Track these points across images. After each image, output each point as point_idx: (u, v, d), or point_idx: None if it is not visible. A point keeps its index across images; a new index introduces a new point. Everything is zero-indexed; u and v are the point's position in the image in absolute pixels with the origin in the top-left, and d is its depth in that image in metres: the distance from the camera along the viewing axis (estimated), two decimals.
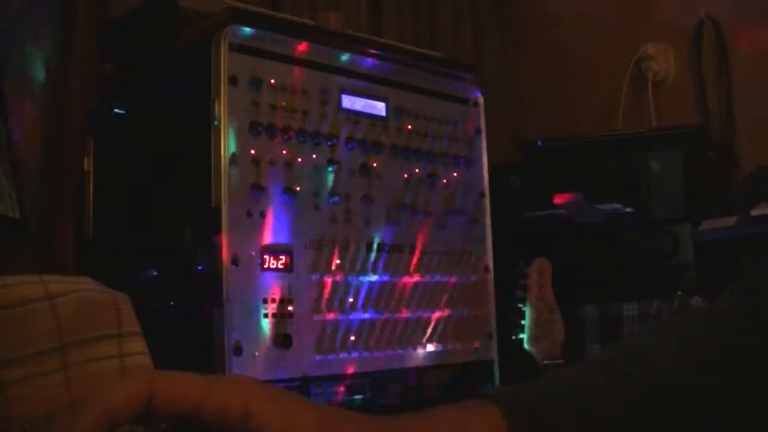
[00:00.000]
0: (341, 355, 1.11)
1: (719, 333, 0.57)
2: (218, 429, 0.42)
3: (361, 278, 1.15)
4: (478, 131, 1.36)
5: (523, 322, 1.33)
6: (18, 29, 1.27)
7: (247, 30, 1.07)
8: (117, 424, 0.40)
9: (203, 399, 0.42)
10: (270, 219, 1.06)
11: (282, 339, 1.04)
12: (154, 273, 1.15)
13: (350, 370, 1.12)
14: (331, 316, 1.11)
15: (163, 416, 0.42)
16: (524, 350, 1.33)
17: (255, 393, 0.43)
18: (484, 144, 1.36)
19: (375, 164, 1.19)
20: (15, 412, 0.68)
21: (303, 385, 1.06)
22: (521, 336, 1.33)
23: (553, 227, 1.64)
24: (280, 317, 1.05)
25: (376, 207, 1.18)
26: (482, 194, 1.34)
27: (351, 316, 1.13)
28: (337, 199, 1.14)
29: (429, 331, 1.22)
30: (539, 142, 1.78)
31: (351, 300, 1.13)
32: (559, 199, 1.57)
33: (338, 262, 1.13)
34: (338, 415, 0.46)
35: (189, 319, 1.07)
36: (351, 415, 0.46)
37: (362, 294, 1.15)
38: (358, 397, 1.12)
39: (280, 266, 1.06)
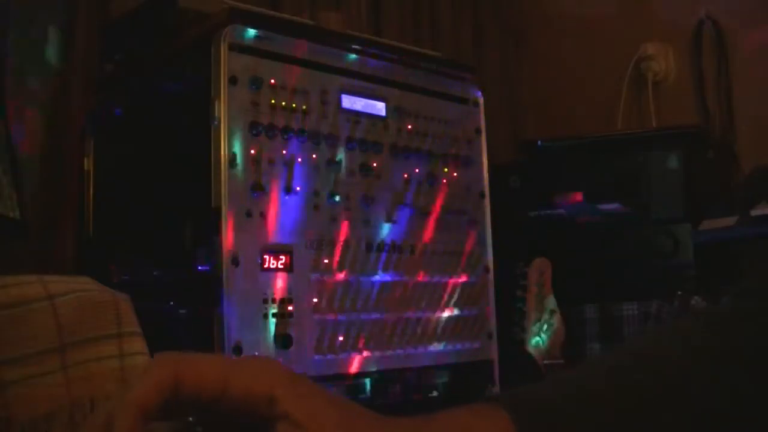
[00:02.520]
0: (341, 355, 1.11)
1: (720, 334, 0.57)
2: (241, 413, 0.42)
3: (361, 278, 1.15)
4: (478, 131, 1.35)
5: (523, 322, 1.33)
6: (18, 29, 1.27)
7: (247, 30, 1.07)
8: (150, 416, 0.40)
9: (229, 381, 0.41)
10: (270, 219, 1.06)
11: (282, 339, 1.04)
12: (154, 273, 1.15)
13: (350, 370, 1.12)
14: (331, 316, 1.11)
15: (189, 401, 0.41)
16: (524, 350, 1.33)
17: (281, 378, 0.43)
18: (484, 144, 1.36)
19: (375, 164, 1.19)
20: (15, 412, 0.68)
21: None
22: (521, 336, 1.33)
23: (553, 227, 1.64)
24: (280, 317, 1.05)
25: (376, 207, 1.18)
26: (482, 194, 1.34)
27: (351, 316, 1.13)
28: (337, 199, 1.14)
29: (429, 331, 1.22)
30: (539, 142, 1.78)
31: (351, 300, 1.13)
32: (560, 200, 1.57)
33: (338, 262, 1.13)
34: (359, 413, 0.46)
35: (189, 319, 1.07)
36: (370, 414, 0.46)
37: (362, 294, 1.15)
38: (358, 397, 1.12)
39: (280, 266, 1.06)
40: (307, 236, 1.10)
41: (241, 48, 1.06)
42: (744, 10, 1.89)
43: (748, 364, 0.55)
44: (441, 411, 0.49)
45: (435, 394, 1.22)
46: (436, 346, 1.23)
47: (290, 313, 1.06)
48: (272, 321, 1.04)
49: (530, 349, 1.32)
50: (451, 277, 1.27)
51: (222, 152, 1.03)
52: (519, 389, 0.52)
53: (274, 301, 1.05)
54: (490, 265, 1.34)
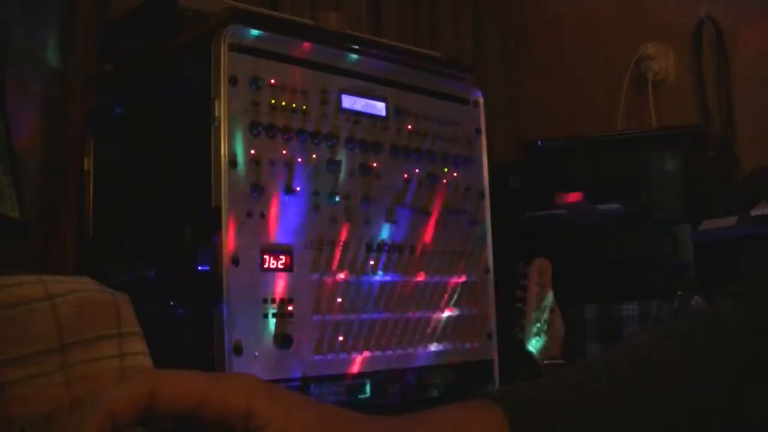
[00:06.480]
0: (341, 355, 1.11)
1: (720, 334, 0.57)
2: (220, 427, 0.42)
3: (361, 278, 1.15)
4: (478, 131, 1.35)
5: (523, 322, 1.33)
6: (18, 29, 1.27)
7: (247, 30, 1.07)
8: (121, 427, 0.40)
9: (204, 397, 0.42)
10: (270, 219, 1.06)
11: (282, 339, 1.04)
12: (154, 273, 1.15)
13: (350, 370, 1.12)
14: (331, 316, 1.11)
15: (165, 415, 0.41)
16: (524, 350, 1.33)
17: (257, 391, 0.43)
18: (484, 144, 1.36)
19: (375, 164, 1.19)
20: (15, 412, 0.68)
21: (303, 385, 1.06)
22: (521, 336, 1.33)
23: (553, 227, 1.64)
24: (280, 317, 1.05)
25: (376, 207, 1.18)
26: (482, 194, 1.34)
27: (351, 316, 1.13)
28: (337, 199, 1.14)
29: (429, 331, 1.22)
30: (539, 142, 1.78)
31: (351, 300, 1.13)
32: (560, 200, 1.57)
33: (338, 262, 1.13)
34: (339, 415, 0.46)
35: (189, 319, 1.07)
36: (352, 415, 0.46)
37: (362, 294, 1.15)
38: (358, 397, 1.12)
39: (280, 266, 1.06)
40: (307, 236, 1.10)
41: (241, 48, 1.06)
42: (744, 10, 1.89)
43: (748, 364, 0.55)
44: (434, 408, 0.49)
45: (435, 394, 1.22)
46: (436, 346, 1.23)
47: (290, 313, 1.06)
48: (272, 321, 1.04)
49: (530, 349, 1.32)
50: (451, 277, 1.27)
51: (222, 152, 1.03)
52: (515, 386, 0.52)
53: (274, 301, 1.05)
54: (490, 265, 1.34)
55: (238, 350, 1.00)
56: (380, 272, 1.17)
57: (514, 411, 0.49)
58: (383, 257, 1.18)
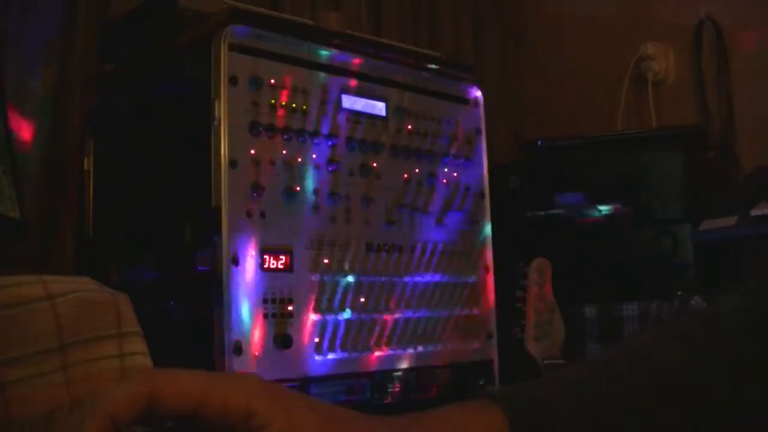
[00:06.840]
0: (341, 355, 1.11)
1: (720, 334, 0.57)
2: (220, 427, 0.42)
3: (361, 278, 1.15)
4: (478, 131, 1.35)
5: (523, 322, 1.33)
6: (18, 29, 1.27)
7: (247, 30, 1.07)
8: (121, 427, 0.40)
9: (205, 396, 0.41)
10: (270, 219, 1.06)
11: (282, 339, 1.04)
12: (154, 273, 1.15)
13: (350, 370, 1.12)
14: (331, 316, 1.11)
15: (165, 415, 0.41)
16: (524, 350, 1.33)
17: (258, 391, 0.43)
18: (484, 144, 1.36)
19: (375, 164, 1.19)
20: (15, 412, 0.68)
21: (303, 385, 1.06)
22: (521, 336, 1.33)
23: (553, 227, 1.64)
24: (280, 317, 1.05)
25: (376, 207, 1.18)
26: (482, 194, 1.34)
27: (351, 316, 1.13)
28: (337, 199, 1.14)
29: (429, 331, 1.22)
30: (539, 142, 1.78)
31: (351, 300, 1.13)
32: (559, 199, 1.57)
33: (338, 262, 1.13)
34: (340, 414, 0.46)
35: (189, 319, 1.07)
36: (353, 414, 0.46)
37: (362, 294, 1.15)
38: (358, 397, 1.12)
39: (280, 266, 1.06)
40: (307, 236, 1.10)
41: (241, 48, 1.06)
42: (744, 10, 1.89)
43: (748, 364, 0.55)
44: (434, 408, 0.49)
45: (435, 394, 1.22)
46: (436, 346, 1.23)
47: (290, 313, 1.06)
48: (272, 321, 1.04)
49: (530, 349, 1.32)
50: (450, 277, 1.27)
51: (222, 152, 1.03)
52: (515, 386, 0.52)
53: (274, 301, 1.05)
54: (490, 265, 1.34)
55: (238, 350, 1.00)
56: (380, 272, 1.17)
57: (514, 411, 0.49)
58: (383, 257, 1.18)
